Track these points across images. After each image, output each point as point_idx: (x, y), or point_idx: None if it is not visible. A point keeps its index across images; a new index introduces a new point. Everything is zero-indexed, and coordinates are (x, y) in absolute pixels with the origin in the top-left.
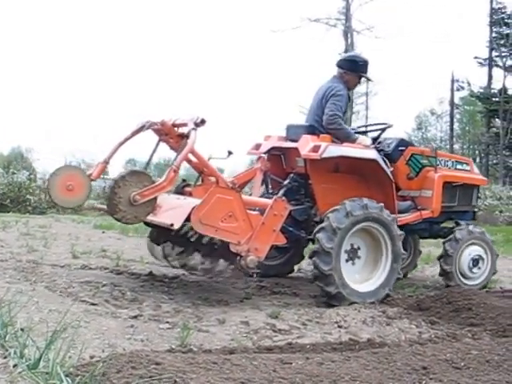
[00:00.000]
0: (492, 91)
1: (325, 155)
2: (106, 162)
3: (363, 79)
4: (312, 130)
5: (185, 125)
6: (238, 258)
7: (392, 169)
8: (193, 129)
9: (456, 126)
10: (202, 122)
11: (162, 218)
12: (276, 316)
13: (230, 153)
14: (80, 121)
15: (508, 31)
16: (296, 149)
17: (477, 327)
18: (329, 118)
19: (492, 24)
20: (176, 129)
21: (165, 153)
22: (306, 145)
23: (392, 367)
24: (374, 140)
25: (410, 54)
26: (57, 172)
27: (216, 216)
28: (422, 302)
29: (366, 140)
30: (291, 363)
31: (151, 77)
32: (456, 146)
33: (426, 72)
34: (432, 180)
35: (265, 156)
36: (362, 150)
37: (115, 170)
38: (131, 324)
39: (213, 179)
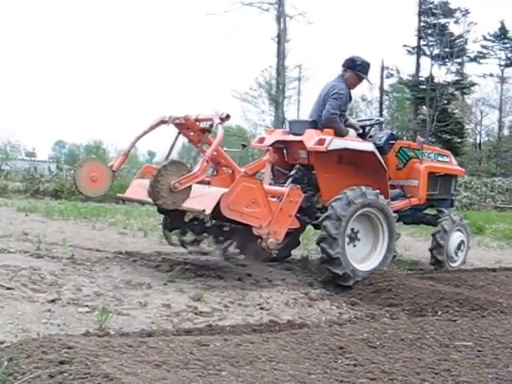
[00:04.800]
0: (420, 79)
1: (330, 148)
2: (126, 155)
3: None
4: (315, 124)
5: (208, 119)
6: (259, 240)
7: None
8: (219, 123)
9: (385, 112)
10: (228, 116)
11: (192, 204)
12: (198, 298)
13: (243, 145)
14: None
15: (435, 21)
16: (299, 142)
17: (395, 307)
18: (329, 116)
19: (420, 13)
20: (198, 123)
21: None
22: (311, 138)
23: (309, 347)
24: (366, 133)
25: (341, 40)
26: (82, 164)
27: (241, 202)
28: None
29: (354, 133)
30: (209, 345)
31: (78, 64)
32: (380, 131)
33: None
34: (418, 170)
35: (272, 149)
36: (362, 143)
37: (43, 150)
38: (48, 308)
39: (228, 170)
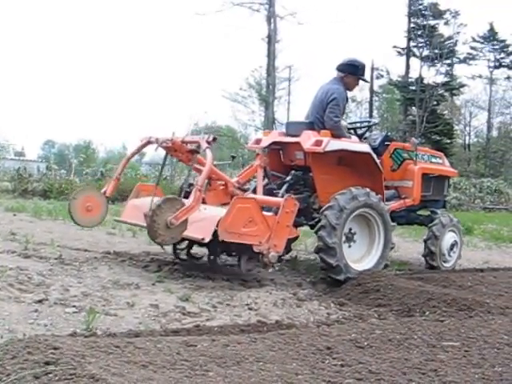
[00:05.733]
0: (409, 80)
1: (327, 149)
2: (118, 179)
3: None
4: (311, 126)
5: (195, 142)
6: (261, 255)
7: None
8: (207, 147)
9: (375, 113)
10: (214, 139)
11: (191, 232)
12: (187, 299)
13: (233, 157)
14: None
15: (425, 22)
16: (296, 143)
17: (383, 308)
18: (333, 125)
19: (410, 15)
20: (185, 145)
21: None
22: (308, 139)
23: (297, 348)
24: (361, 135)
25: (332, 40)
26: (76, 196)
27: (239, 224)
28: (333, 284)
29: (355, 137)
30: (196, 345)
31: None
32: (375, 133)
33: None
34: (412, 172)
35: (261, 153)
36: (358, 144)
37: (32, 150)
38: (35, 308)
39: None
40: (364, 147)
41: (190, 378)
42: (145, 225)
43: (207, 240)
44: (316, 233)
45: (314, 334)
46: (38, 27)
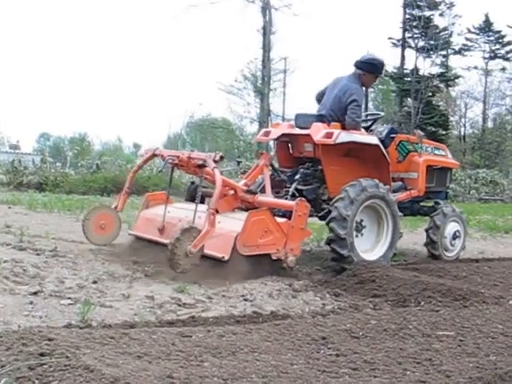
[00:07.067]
0: (405, 71)
1: (338, 141)
2: (127, 192)
3: None
4: (321, 119)
5: (201, 159)
6: (280, 261)
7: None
8: (214, 167)
9: (370, 104)
10: (221, 158)
11: (210, 249)
12: (182, 290)
13: (238, 162)
14: None
15: (420, 13)
16: (305, 135)
17: (378, 298)
18: (355, 125)
19: (405, 6)
20: (192, 160)
21: None
22: (318, 131)
23: (292, 338)
24: (368, 128)
25: (327, 31)
26: (88, 217)
27: (255, 236)
28: (328, 274)
29: (363, 130)
30: (191, 336)
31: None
32: (380, 125)
33: (341, 51)
34: (417, 164)
35: (265, 152)
36: (367, 136)
37: (28, 143)
38: (30, 300)
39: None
40: (373, 139)
41: (185, 369)
42: (160, 240)
43: (227, 258)
44: (327, 224)
45: (309, 324)
46: (33, 22)
